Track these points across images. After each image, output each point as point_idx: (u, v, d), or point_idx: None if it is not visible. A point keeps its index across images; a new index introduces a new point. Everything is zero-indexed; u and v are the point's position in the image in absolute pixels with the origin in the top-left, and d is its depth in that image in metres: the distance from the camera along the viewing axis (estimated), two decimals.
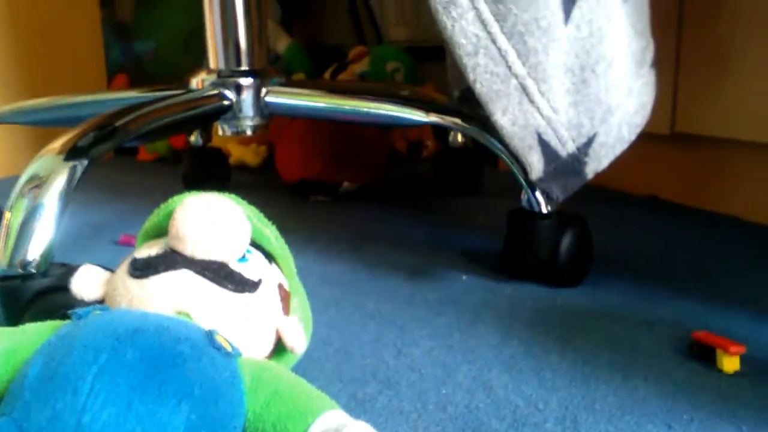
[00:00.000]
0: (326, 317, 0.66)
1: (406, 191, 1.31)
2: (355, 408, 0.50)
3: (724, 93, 1.05)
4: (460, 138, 1.20)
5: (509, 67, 0.63)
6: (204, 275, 0.45)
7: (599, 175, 0.73)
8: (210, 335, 0.42)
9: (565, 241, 0.73)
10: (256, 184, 1.36)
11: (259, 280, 0.47)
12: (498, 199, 1.03)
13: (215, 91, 0.90)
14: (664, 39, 1.13)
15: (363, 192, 1.20)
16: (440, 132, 1.31)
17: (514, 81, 0.64)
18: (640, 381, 0.55)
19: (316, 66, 1.68)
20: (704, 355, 0.58)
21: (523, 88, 0.64)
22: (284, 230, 0.53)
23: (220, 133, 0.93)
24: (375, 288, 0.76)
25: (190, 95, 0.91)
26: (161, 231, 0.49)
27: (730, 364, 0.56)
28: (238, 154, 1.49)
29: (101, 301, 0.48)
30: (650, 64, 0.74)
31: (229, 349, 0.42)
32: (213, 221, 0.46)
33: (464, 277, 0.79)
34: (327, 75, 1.56)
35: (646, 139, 1.23)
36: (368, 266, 0.84)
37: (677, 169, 1.21)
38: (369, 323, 0.67)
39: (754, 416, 0.50)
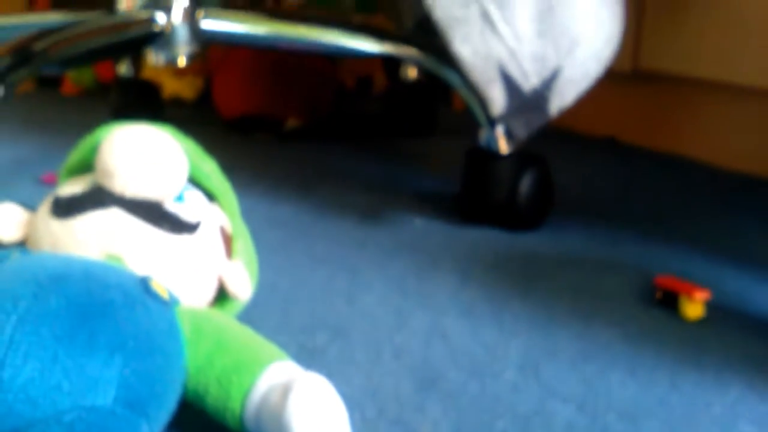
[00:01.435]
0: (273, 262, 0.62)
1: (354, 130, 1.26)
2: (305, 358, 0.46)
3: (688, 29, 1.04)
4: (412, 73, 1.15)
5: None
6: (136, 215, 0.41)
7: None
8: (144, 282, 0.38)
9: (525, 183, 0.70)
10: (192, 120, 1.28)
11: (199, 221, 0.43)
12: (453, 139, 0.99)
13: (145, 14, 0.82)
14: None
15: (308, 130, 1.15)
16: (391, 67, 1.26)
17: (475, 6, 0.60)
18: (602, 327, 0.53)
19: None
20: (668, 301, 0.56)
21: (486, 15, 0.60)
22: (225, 170, 0.48)
23: (152, 62, 0.86)
24: (324, 231, 0.72)
25: (118, 18, 0.83)
26: (87, 166, 0.44)
27: (694, 310, 0.54)
28: (172, 87, 1.40)
29: (21, 244, 0.44)
30: None
31: (166, 296, 0.38)
32: (145, 154, 0.41)
33: (418, 221, 0.76)
34: None
35: (605, 77, 1.21)
36: (317, 208, 0.79)
37: (636, 110, 1.20)
38: (318, 268, 0.63)
39: (718, 364, 0.48)
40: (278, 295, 0.56)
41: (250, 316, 0.47)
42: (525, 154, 0.72)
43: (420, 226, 0.74)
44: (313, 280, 0.60)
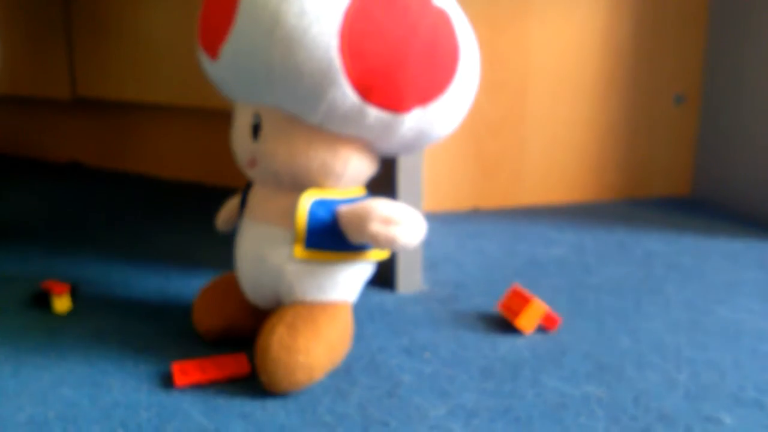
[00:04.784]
0: None
1: None
2: None
3: (121, 59, 1.12)
4: None
5: None
6: None
7: (17, 145, 0.72)
8: None
9: None
10: None
11: None
12: None
13: None
14: (51, 9, 1.15)
15: None
16: None
17: None
18: None
19: None
20: (43, 301, 0.62)
21: None
22: None
23: None
24: None
25: None
26: None
27: (61, 304, 0.61)
28: None
29: None
30: None
31: None
32: None
33: None
34: None
35: (54, 105, 1.24)
36: None
37: (93, 134, 1.26)
38: None
39: (77, 351, 0.54)
40: None
41: None
42: None
43: None
44: None
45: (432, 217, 0.95)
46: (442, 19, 0.49)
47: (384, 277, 0.69)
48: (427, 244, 0.83)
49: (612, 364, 0.53)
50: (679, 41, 1.04)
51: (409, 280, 0.68)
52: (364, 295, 0.66)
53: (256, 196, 0.53)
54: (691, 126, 1.08)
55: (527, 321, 0.58)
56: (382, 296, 0.66)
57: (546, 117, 1.01)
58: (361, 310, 0.63)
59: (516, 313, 0.58)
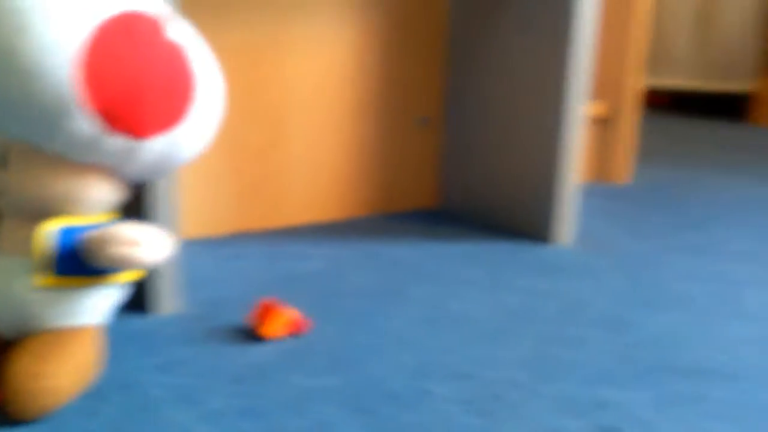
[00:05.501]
0: None
1: None
2: None
3: None
4: None
5: None
6: None
7: None
8: None
9: None
10: None
11: None
12: None
13: None
14: None
15: None
16: None
17: None
18: None
19: None
20: None
21: None
22: None
23: None
24: None
25: None
26: None
27: None
28: None
29: None
30: None
31: None
32: None
33: None
34: None
35: None
36: None
37: None
38: None
39: None
40: None
41: None
42: None
43: None
44: None
45: (193, 243, 0.97)
46: (176, 53, 0.53)
47: (140, 300, 0.70)
48: (187, 267, 0.85)
49: (351, 358, 0.59)
50: (423, 68, 1.16)
51: (166, 302, 0.70)
52: (119, 318, 0.67)
53: (4, 229, 0.53)
54: (436, 145, 1.20)
55: (272, 328, 0.62)
56: (138, 319, 0.68)
57: (304, 141, 1.07)
58: (116, 332, 0.64)
59: (262, 323, 0.63)
